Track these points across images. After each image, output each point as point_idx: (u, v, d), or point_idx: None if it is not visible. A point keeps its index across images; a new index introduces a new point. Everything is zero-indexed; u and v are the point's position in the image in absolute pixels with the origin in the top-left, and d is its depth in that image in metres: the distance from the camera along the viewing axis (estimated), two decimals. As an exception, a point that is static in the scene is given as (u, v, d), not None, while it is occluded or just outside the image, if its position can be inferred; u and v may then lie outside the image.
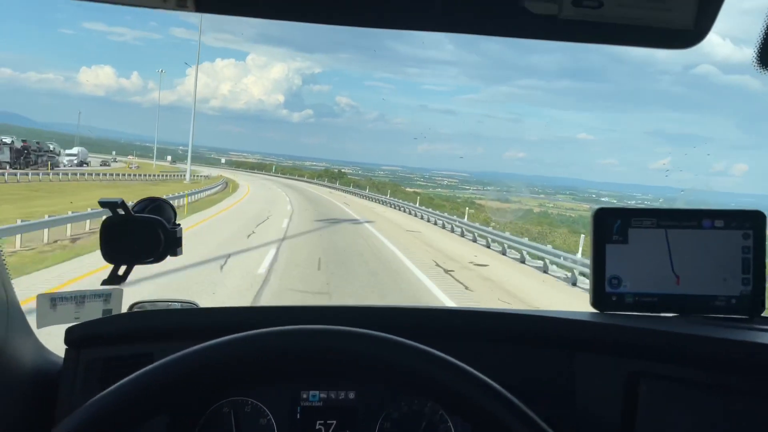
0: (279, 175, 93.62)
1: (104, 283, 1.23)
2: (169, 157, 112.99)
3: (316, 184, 65.19)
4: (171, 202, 1.29)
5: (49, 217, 14.44)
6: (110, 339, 1.17)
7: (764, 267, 1.20)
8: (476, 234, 23.12)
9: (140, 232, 1.17)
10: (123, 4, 0.77)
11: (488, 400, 0.65)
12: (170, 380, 0.64)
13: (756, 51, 0.84)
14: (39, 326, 1.23)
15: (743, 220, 1.20)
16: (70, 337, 1.16)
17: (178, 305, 1.43)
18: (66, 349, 1.17)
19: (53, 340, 1.24)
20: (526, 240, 19.66)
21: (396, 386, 0.71)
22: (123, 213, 1.16)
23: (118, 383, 0.64)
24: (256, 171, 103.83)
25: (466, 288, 12.54)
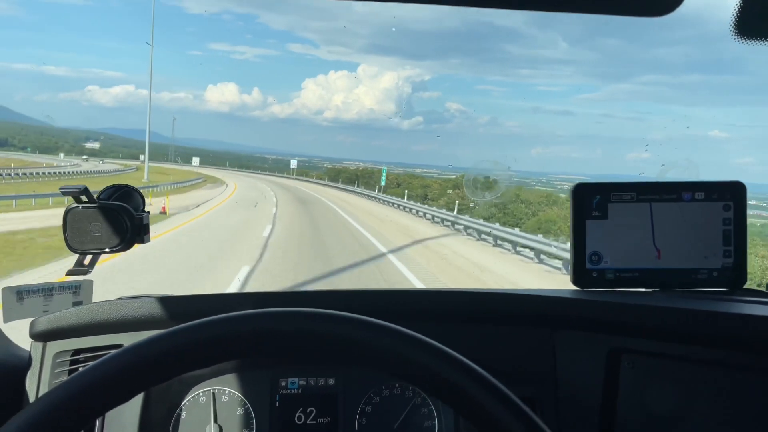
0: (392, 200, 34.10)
1: (69, 273, 1.18)
2: (196, 159, 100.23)
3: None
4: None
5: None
6: (76, 330, 1.13)
7: (746, 239, 1.16)
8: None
9: (105, 220, 1.12)
10: None
11: (464, 379, 0.60)
12: (120, 371, 0.60)
13: (733, 18, 0.78)
14: (5, 320, 1.18)
15: (724, 191, 1.16)
16: (34, 330, 1.13)
17: None
18: (31, 343, 1.14)
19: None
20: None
21: (364, 366, 0.65)
22: (86, 200, 1.12)
23: (75, 373, 0.60)
24: (327, 184, 53.85)
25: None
